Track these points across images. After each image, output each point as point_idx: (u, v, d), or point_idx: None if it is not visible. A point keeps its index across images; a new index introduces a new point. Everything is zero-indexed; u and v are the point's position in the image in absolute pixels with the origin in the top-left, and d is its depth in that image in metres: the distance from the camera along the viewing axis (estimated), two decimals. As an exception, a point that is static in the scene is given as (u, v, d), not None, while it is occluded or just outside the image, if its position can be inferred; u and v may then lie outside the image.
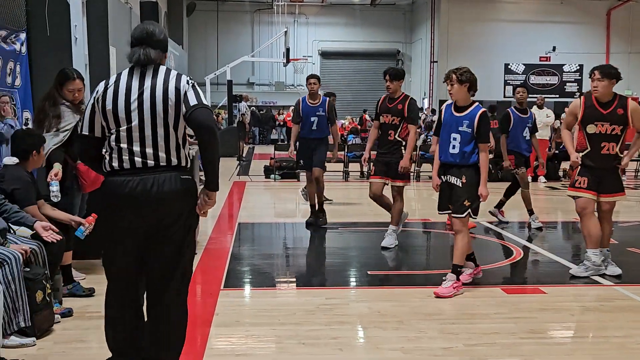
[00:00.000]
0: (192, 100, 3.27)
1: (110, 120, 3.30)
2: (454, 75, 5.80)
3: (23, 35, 7.65)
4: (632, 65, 28.83)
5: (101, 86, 3.38)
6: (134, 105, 3.25)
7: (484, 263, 7.05)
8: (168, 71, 3.37)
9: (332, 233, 8.90)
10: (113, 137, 3.30)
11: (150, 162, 3.27)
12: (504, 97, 29.85)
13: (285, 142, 25.59)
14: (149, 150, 3.27)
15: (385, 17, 33.94)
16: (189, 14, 30.29)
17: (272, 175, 15.23)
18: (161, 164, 3.28)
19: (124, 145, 3.28)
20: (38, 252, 4.69)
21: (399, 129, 7.51)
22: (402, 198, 7.70)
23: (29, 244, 4.64)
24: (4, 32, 7.22)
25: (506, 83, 30.15)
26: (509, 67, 30.15)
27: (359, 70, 33.99)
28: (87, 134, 3.39)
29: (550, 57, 30.27)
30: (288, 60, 24.15)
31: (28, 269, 4.43)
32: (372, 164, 8.10)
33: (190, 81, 3.35)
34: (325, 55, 34.25)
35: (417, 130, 7.84)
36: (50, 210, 5.23)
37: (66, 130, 5.65)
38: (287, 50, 23.76)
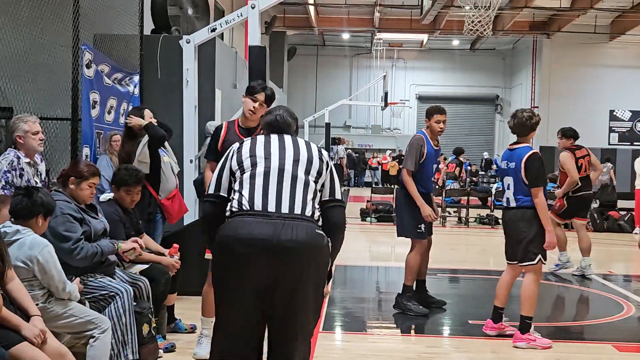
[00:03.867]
0: (337, 191, 3.21)
1: (246, 163, 3.12)
2: None
3: (136, 78, 8.03)
4: None
5: (235, 145, 3.29)
6: (275, 150, 3.14)
7: (591, 318, 6.74)
8: (308, 141, 3.33)
9: (431, 279, 8.72)
10: (248, 177, 3.09)
11: (285, 210, 2.99)
12: (609, 144, 28.79)
13: (381, 186, 25.56)
14: (285, 198, 3.02)
15: (485, 62, 33.63)
16: (289, 58, 31.02)
17: (368, 218, 15.19)
18: (295, 211, 3.00)
19: (259, 187, 3.04)
20: (143, 287, 4.81)
21: None
22: None
23: (137, 279, 4.78)
24: (120, 75, 7.60)
25: (611, 130, 29.10)
26: (614, 113, 29.11)
27: (457, 115, 33.61)
28: (221, 193, 3.18)
29: (659, 103, 29.07)
30: (386, 104, 24.24)
31: (135, 304, 4.55)
32: None
33: (329, 158, 3.33)
34: (422, 99, 34.15)
35: None
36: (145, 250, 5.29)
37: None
38: (386, 94, 23.86)
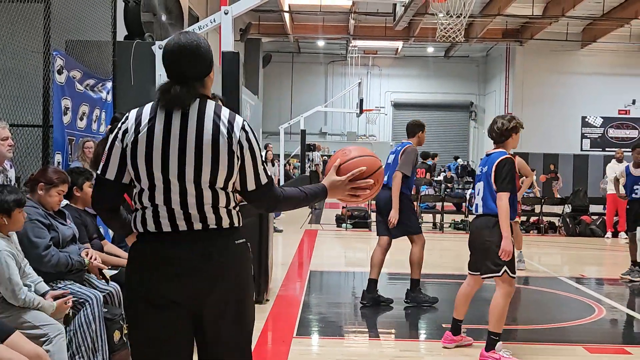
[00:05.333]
0: (250, 175, 2.63)
1: (142, 171, 2.56)
2: None
3: (109, 84, 7.98)
4: None
5: (130, 123, 2.60)
6: (174, 156, 2.54)
7: (563, 320, 6.82)
8: (218, 110, 2.62)
9: (405, 284, 8.76)
10: (147, 192, 2.59)
11: (197, 225, 2.58)
12: (581, 150, 29.17)
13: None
14: (193, 211, 2.57)
15: (459, 69, 33.91)
16: (264, 65, 31.01)
17: (344, 225, 15.22)
18: (210, 226, 2.59)
19: (160, 204, 2.57)
20: (115, 293, 4.78)
21: None
22: None
23: (107, 285, 4.75)
24: (92, 81, 7.55)
25: (583, 136, 29.47)
26: (586, 120, 29.50)
27: (432, 121, 33.79)
28: (112, 179, 2.63)
29: (629, 110, 29.48)
30: (361, 111, 24.32)
31: (106, 310, 4.51)
32: None
33: (246, 131, 2.62)
34: (397, 106, 34.36)
35: None
36: (106, 255, 5.19)
37: None
38: (361, 101, 23.94)
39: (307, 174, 22.32)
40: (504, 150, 5.46)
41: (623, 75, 28.65)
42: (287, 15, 25.49)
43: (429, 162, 20.11)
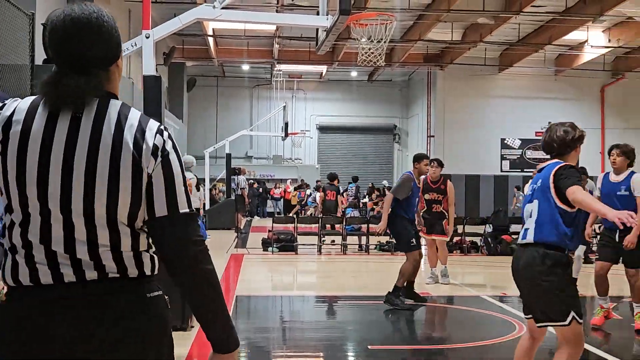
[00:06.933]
0: (160, 193, 1.84)
1: (13, 194, 1.79)
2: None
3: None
4: (628, 142, 29.10)
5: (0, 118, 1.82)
6: (56, 175, 1.78)
7: (486, 338, 6.95)
8: (126, 111, 1.87)
9: (332, 306, 8.79)
10: (17, 227, 1.81)
11: (91, 274, 1.80)
12: (501, 171, 30.08)
13: (282, 215, 25.67)
14: (83, 253, 1.80)
15: (382, 93, 34.51)
16: (189, 89, 30.81)
17: (270, 248, 15.17)
18: (110, 275, 1.81)
19: (36, 243, 1.79)
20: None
21: None
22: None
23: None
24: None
25: (502, 158, 30.43)
26: (505, 142, 30.48)
27: (357, 144, 34.41)
28: None
29: (545, 132, 30.60)
30: (286, 135, 24.45)
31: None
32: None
33: (164, 139, 1.87)
34: (323, 129, 34.66)
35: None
36: None
37: None
38: (286, 124, 24.08)
39: (233, 198, 22.19)
40: (562, 161, 4.16)
41: (539, 98, 29.79)
42: (211, 40, 25.44)
43: (352, 185, 20.49)
